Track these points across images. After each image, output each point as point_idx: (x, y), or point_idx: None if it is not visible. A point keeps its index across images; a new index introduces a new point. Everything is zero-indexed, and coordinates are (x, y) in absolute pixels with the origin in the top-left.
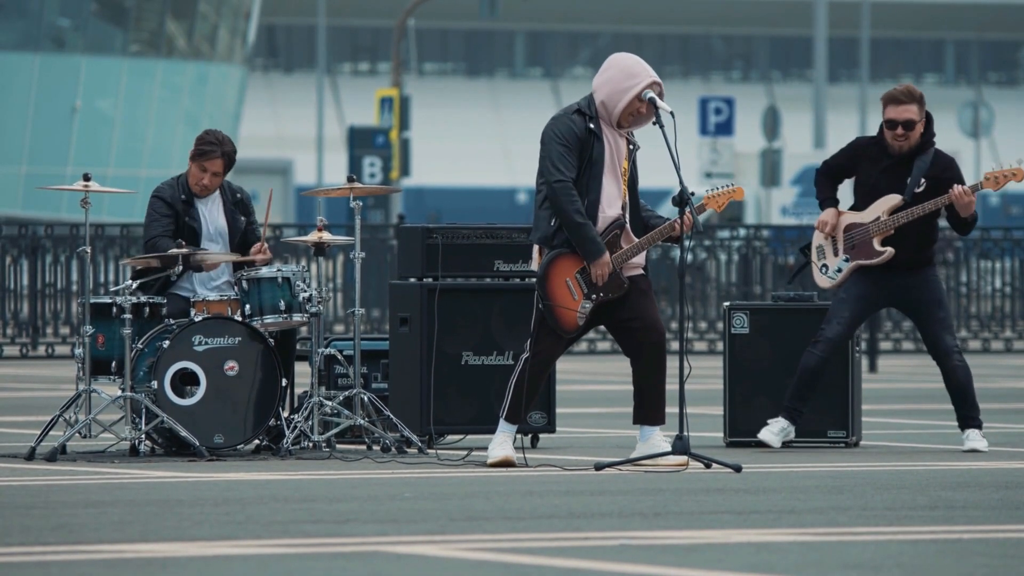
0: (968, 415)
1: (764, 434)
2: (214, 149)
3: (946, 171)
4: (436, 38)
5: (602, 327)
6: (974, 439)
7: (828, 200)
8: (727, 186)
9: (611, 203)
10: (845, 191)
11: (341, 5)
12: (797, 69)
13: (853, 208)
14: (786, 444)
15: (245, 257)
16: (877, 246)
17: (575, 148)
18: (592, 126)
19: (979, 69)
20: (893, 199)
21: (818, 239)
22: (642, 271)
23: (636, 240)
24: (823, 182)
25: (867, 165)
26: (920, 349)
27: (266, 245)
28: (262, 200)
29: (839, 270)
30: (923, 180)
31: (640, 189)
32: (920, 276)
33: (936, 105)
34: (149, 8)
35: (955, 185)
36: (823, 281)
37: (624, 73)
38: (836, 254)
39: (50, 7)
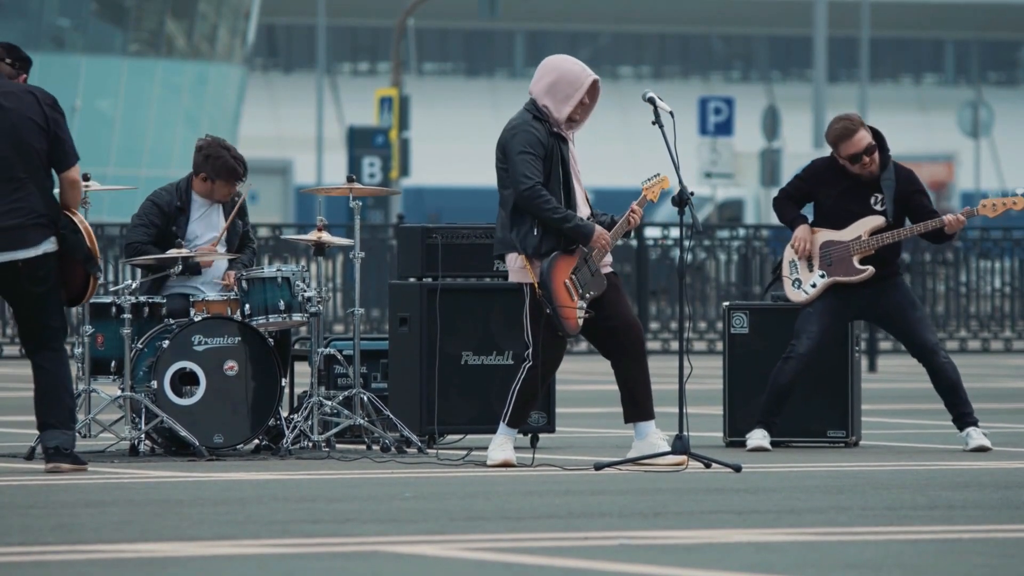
0: (964, 412)
1: (753, 443)
2: (233, 174)
3: (911, 185)
4: (436, 38)
5: None
6: (977, 437)
7: (797, 219)
8: (655, 176)
9: (582, 204)
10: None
11: (341, 5)
12: (797, 69)
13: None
14: (786, 444)
15: (236, 255)
16: (857, 264)
17: (541, 155)
18: (555, 129)
19: (979, 69)
20: (876, 220)
21: (791, 254)
22: (611, 268)
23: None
24: (786, 204)
25: (827, 187)
26: None
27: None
28: (260, 200)
29: (814, 285)
30: (881, 198)
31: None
32: (886, 284)
33: (936, 105)
34: (149, 8)
35: (949, 216)
36: (796, 295)
37: (566, 79)
38: (811, 270)
39: (50, 7)
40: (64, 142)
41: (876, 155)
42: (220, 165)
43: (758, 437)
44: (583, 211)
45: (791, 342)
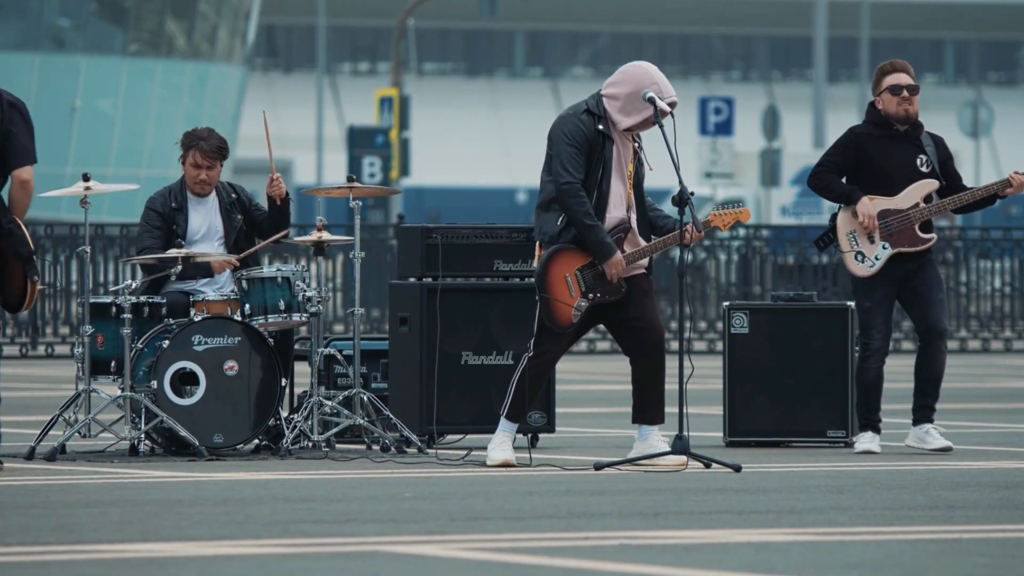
0: (929, 406)
1: (862, 446)
2: (199, 142)
3: (945, 151)
4: (436, 38)
5: (601, 326)
6: (937, 437)
7: (854, 192)
8: (735, 206)
9: (617, 204)
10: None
11: (341, 5)
12: (797, 69)
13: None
14: (786, 444)
15: (236, 260)
16: (920, 232)
17: (584, 149)
18: (602, 127)
19: (979, 69)
20: (931, 185)
21: (848, 225)
22: (644, 270)
23: (642, 244)
24: (832, 178)
25: (871, 149)
26: None
27: (278, 176)
28: (260, 197)
29: (877, 258)
30: (926, 159)
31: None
32: (922, 259)
33: (936, 105)
34: (149, 8)
35: (1014, 175)
36: (860, 269)
37: (638, 95)
38: (872, 241)
39: (50, 7)
40: (16, 140)
41: (915, 99)
42: (186, 137)
43: (866, 440)
44: (615, 213)
45: (861, 340)
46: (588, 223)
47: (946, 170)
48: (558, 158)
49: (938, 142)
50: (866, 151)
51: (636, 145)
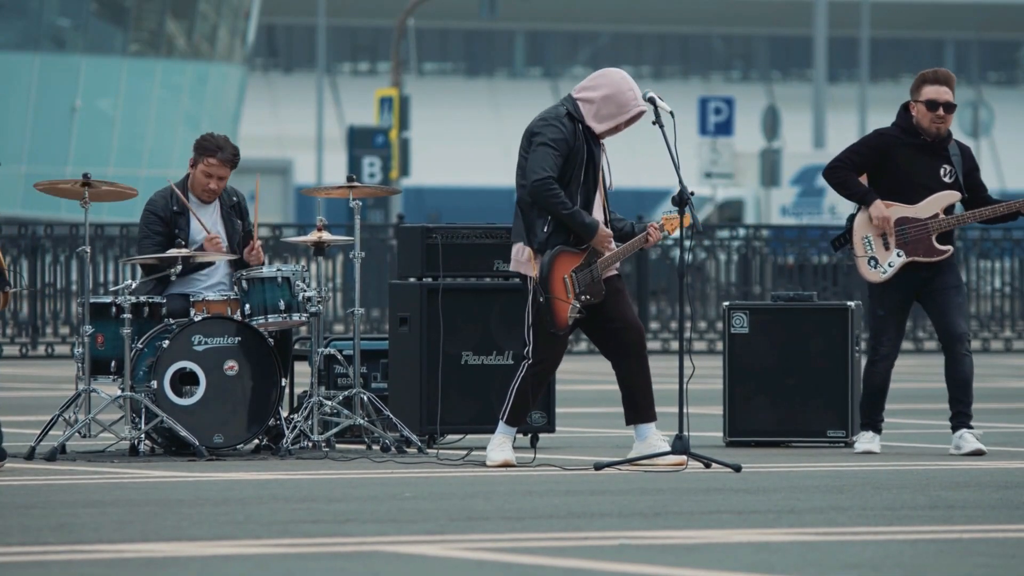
0: (965, 412)
1: (862, 447)
2: (216, 151)
3: (971, 161)
4: (436, 38)
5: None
6: (971, 440)
7: (869, 194)
8: (685, 210)
9: (596, 208)
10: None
11: (341, 5)
12: (797, 69)
13: (882, 199)
14: (786, 444)
15: (237, 255)
16: (936, 244)
17: (563, 152)
18: (582, 129)
19: (979, 69)
20: (952, 196)
21: (864, 229)
22: (616, 271)
23: (615, 248)
24: (849, 176)
25: (897, 156)
26: (920, 349)
27: (259, 243)
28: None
29: (891, 265)
30: (950, 169)
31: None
32: (942, 263)
33: None
34: (149, 8)
35: None
36: (873, 275)
37: (617, 101)
38: (887, 248)
39: (50, 7)
40: None
41: (950, 117)
42: (202, 142)
43: (866, 440)
44: (596, 216)
45: (871, 344)
46: (565, 212)
47: (971, 181)
48: (533, 158)
49: (964, 151)
50: (891, 156)
51: (602, 149)
